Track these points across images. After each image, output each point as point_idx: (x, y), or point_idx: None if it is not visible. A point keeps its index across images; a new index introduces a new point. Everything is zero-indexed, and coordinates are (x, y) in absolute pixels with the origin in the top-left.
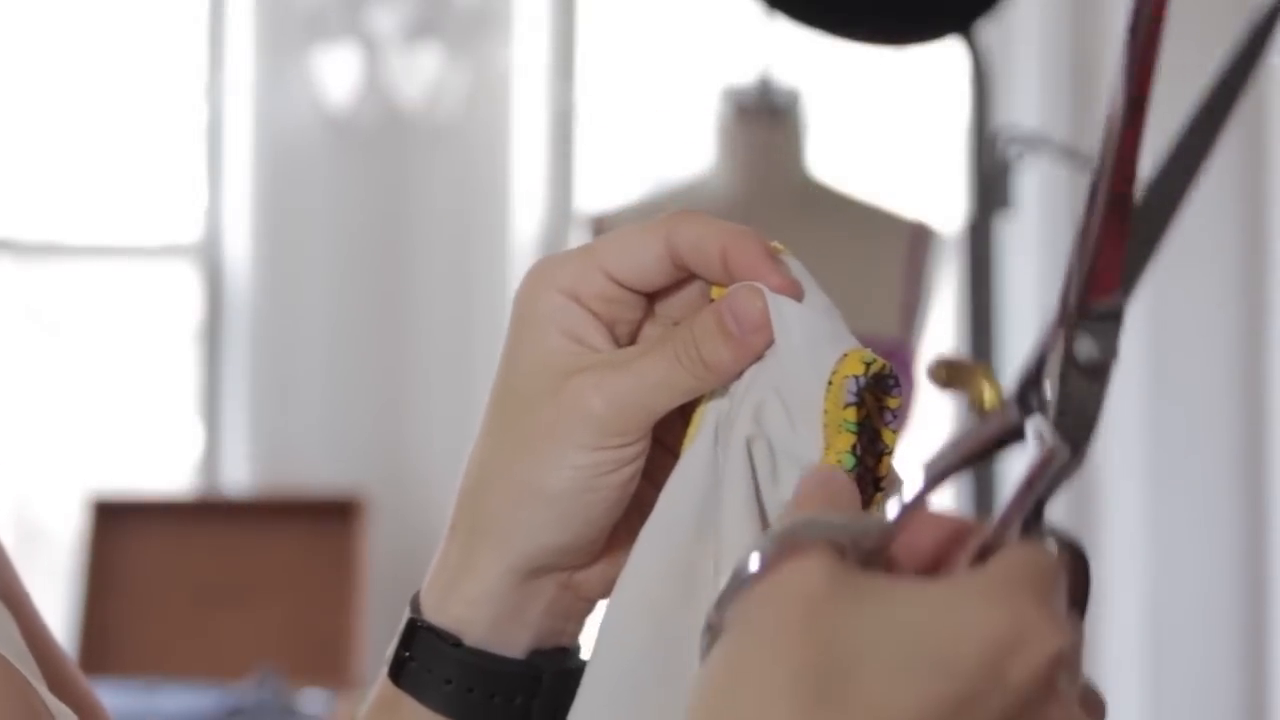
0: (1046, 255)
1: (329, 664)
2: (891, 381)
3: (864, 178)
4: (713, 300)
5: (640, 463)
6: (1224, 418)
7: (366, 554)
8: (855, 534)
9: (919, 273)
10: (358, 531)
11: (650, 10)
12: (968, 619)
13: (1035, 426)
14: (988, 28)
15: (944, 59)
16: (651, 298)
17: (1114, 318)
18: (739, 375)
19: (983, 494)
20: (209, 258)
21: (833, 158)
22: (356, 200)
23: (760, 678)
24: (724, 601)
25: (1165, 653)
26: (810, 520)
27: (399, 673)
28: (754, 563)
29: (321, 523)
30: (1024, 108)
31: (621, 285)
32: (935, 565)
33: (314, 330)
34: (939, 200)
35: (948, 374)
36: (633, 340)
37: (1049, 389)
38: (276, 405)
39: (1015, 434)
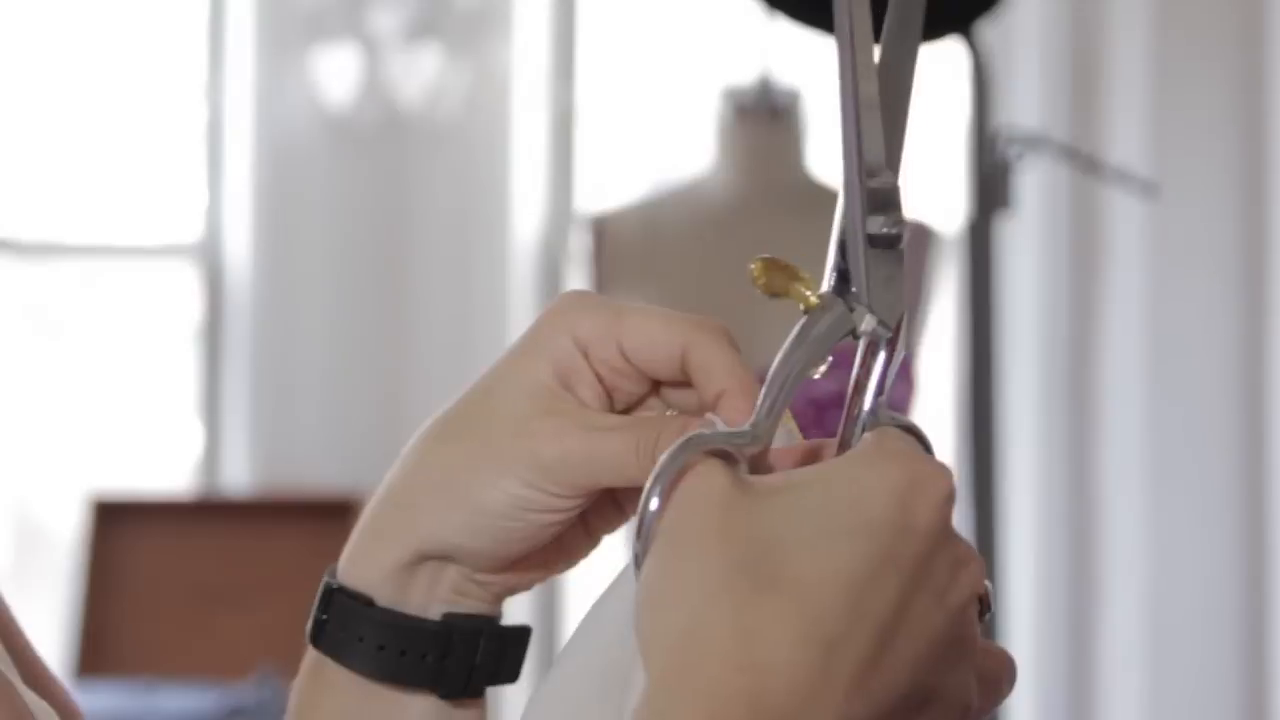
0: (1046, 255)
1: None
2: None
3: None
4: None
5: (572, 515)
6: (1224, 418)
7: None
8: (735, 443)
9: (919, 273)
10: None
11: (650, 10)
12: (867, 481)
13: (861, 323)
14: (988, 28)
15: (944, 59)
16: (658, 382)
17: (892, 192)
18: None
19: (982, 493)
20: (209, 258)
21: (833, 158)
22: (356, 200)
23: (694, 583)
24: (642, 528)
25: (1165, 653)
26: (693, 437)
27: (317, 636)
28: (660, 482)
29: (321, 523)
30: (1024, 108)
31: (630, 363)
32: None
33: (314, 330)
34: (939, 200)
35: (766, 278)
36: (631, 409)
37: (855, 273)
38: (276, 405)
39: (846, 327)
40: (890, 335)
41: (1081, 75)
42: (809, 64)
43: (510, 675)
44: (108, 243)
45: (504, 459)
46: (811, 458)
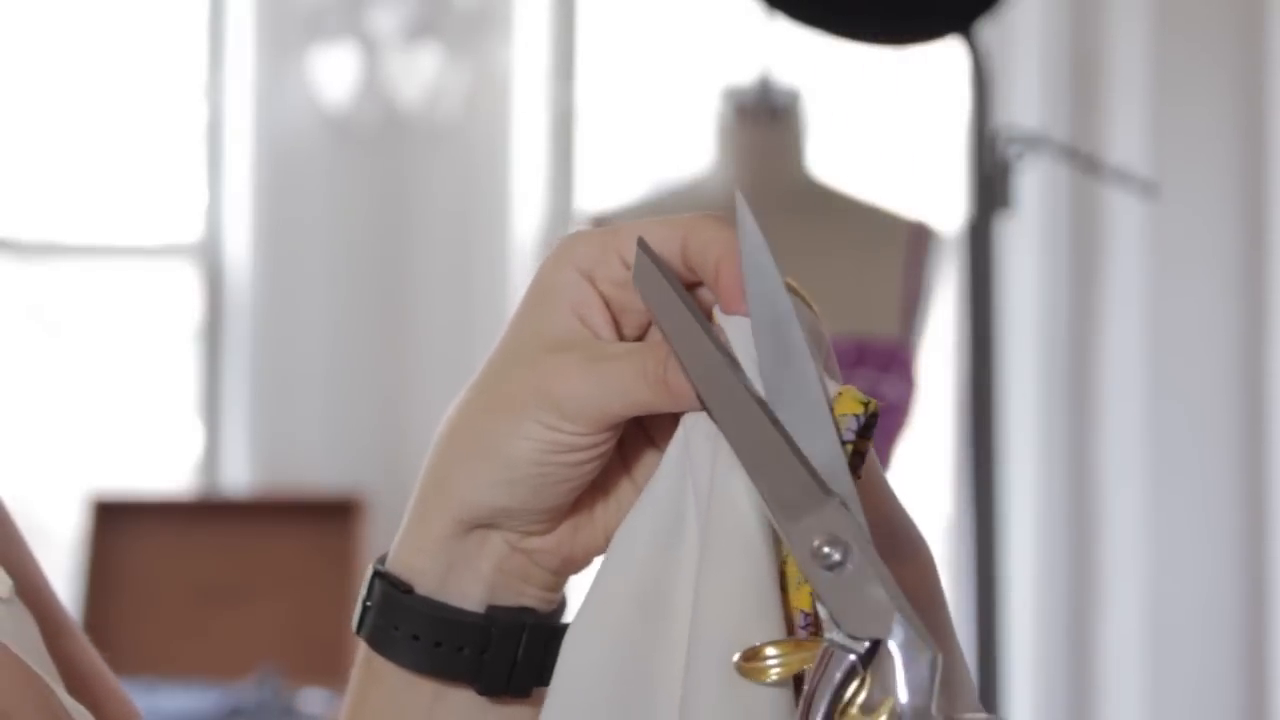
0: (1046, 255)
1: (329, 664)
2: (874, 424)
3: (864, 178)
4: (711, 314)
5: (599, 453)
6: (1224, 417)
7: (366, 554)
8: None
9: (919, 273)
10: (358, 531)
11: (650, 10)
12: None
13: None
14: (988, 28)
15: (944, 59)
16: None
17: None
18: None
19: (982, 493)
20: (209, 258)
21: (833, 158)
22: (356, 200)
23: None
24: None
25: (1165, 653)
26: None
27: (361, 623)
28: None
29: (321, 523)
30: (1024, 108)
31: None
32: None
33: (314, 330)
34: (939, 200)
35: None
36: (642, 333)
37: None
38: (276, 405)
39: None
40: (863, 652)
41: (1081, 75)
42: (809, 64)
43: None
44: (108, 243)
45: (519, 405)
46: None
